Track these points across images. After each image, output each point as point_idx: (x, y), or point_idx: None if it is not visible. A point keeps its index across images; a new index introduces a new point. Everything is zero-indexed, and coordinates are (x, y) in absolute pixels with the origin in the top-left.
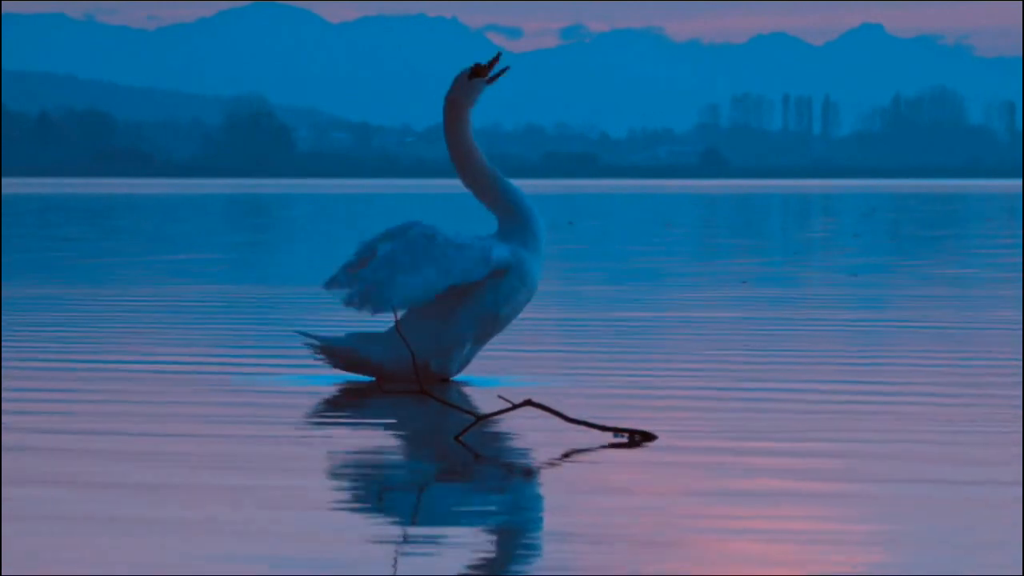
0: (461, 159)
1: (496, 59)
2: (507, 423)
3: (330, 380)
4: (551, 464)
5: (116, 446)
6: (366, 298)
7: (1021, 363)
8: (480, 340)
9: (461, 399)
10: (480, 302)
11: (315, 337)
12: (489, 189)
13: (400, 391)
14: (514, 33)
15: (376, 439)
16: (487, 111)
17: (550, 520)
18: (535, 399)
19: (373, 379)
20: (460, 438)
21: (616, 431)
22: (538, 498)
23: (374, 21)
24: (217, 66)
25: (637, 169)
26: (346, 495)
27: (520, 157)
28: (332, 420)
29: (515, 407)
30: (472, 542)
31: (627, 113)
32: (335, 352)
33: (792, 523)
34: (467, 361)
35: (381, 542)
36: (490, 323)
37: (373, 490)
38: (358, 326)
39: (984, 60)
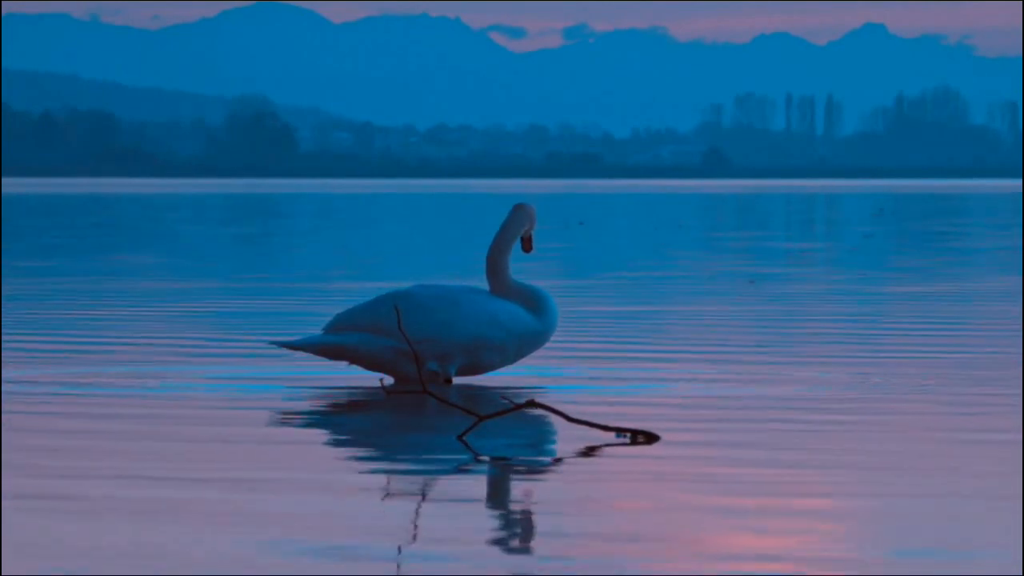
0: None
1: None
2: (510, 423)
3: (333, 381)
4: (553, 464)
5: (117, 448)
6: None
7: (1021, 364)
8: (463, 368)
9: (464, 399)
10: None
11: (287, 342)
12: (511, 293)
13: (403, 391)
14: (517, 33)
15: (379, 439)
16: (490, 111)
17: (552, 520)
18: (538, 399)
19: (377, 376)
20: (463, 438)
21: (619, 431)
22: (540, 498)
23: (377, 21)
24: (220, 66)
25: (640, 169)
26: (349, 495)
27: (523, 157)
28: (335, 420)
29: (518, 407)
30: (475, 542)
31: (630, 113)
32: (310, 349)
33: (795, 523)
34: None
35: (383, 541)
36: (476, 356)
37: (376, 490)
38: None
39: (987, 60)
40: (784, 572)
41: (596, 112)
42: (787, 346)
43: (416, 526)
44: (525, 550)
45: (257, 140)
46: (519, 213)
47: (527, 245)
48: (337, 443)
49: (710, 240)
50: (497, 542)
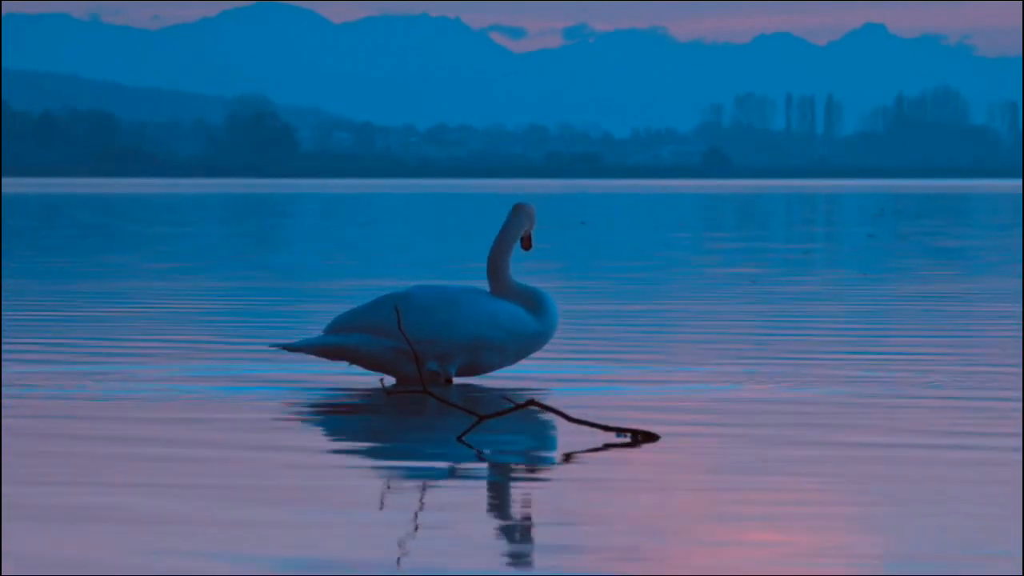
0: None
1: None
2: (510, 423)
3: (333, 381)
4: (553, 464)
5: (116, 449)
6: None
7: (1021, 364)
8: (463, 368)
9: (464, 399)
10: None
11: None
12: (512, 294)
13: (403, 391)
14: (517, 33)
15: (380, 439)
16: (490, 111)
17: (552, 520)
18: (538, 399)
19: (376, 375)
20: (463, 438)
21: (619, 431)
22: (540, 498)
23: (377, 21)
24: (220, 66)
25: (640, 169)
26: (350, 495)
27: (523, 157)
28: (335, 421)
29: (518, 407)
30: (475, 542)
31: (630, 113)
32: (311, 351)
33: (795, 523)
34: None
35: (384, 541)
36: (476, 355)
37: (376, 490)
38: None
39: (986, 60)
40: (784, 572)
41: (596, 112)
42: (787, 346)
43: (416, 526)
44: (525, 550)
45: (257, 140)
46: (519, 214)
47: (527, 243)
48: (337, 443)
49: (710, 240)
50: (497, 542)
